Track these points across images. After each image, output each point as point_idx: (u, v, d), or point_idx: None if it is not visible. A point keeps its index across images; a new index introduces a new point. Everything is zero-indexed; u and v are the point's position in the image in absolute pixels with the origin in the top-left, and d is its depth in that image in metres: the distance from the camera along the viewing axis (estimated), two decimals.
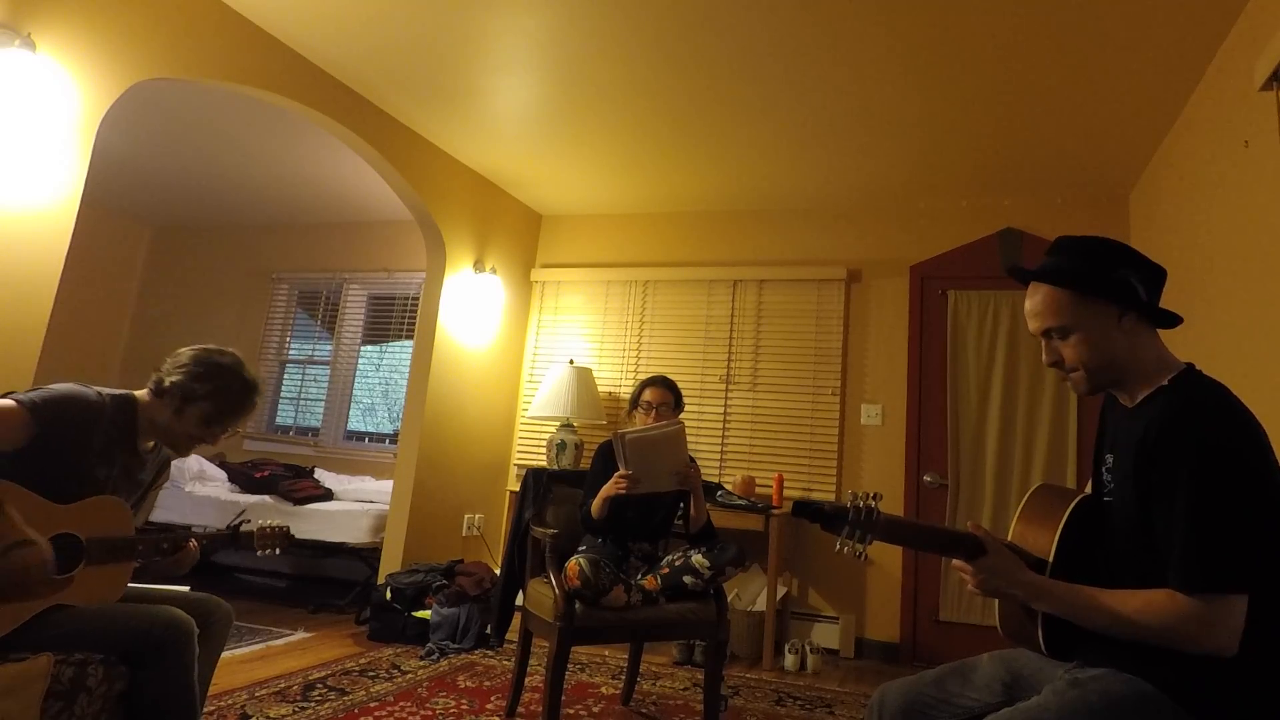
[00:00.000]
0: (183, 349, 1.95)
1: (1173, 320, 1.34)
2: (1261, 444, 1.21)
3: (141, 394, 1.93)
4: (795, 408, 4.54)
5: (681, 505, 2.88)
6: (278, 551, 2.13)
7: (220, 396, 1.91)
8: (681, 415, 2.92)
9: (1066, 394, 4.05)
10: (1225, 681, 1.16)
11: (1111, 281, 1.31)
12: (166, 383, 1.88)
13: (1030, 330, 1.40)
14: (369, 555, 4.33)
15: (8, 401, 1.71)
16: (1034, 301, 1.36)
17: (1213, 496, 1.17)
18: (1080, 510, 1.39)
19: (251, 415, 2.00)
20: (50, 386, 1.80)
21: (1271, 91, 2.32)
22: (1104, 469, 1.40)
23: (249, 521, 2.11)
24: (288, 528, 2.16)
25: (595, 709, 2.98)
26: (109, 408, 1.86)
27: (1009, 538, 1.44)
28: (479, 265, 4.70)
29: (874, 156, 4.02)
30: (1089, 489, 1.46)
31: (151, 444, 1.99)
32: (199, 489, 4.69)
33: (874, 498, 1.32)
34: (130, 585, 1.89)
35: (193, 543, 1.97)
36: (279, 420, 5.85)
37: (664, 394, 2.89)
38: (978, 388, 4.22)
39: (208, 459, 5.10)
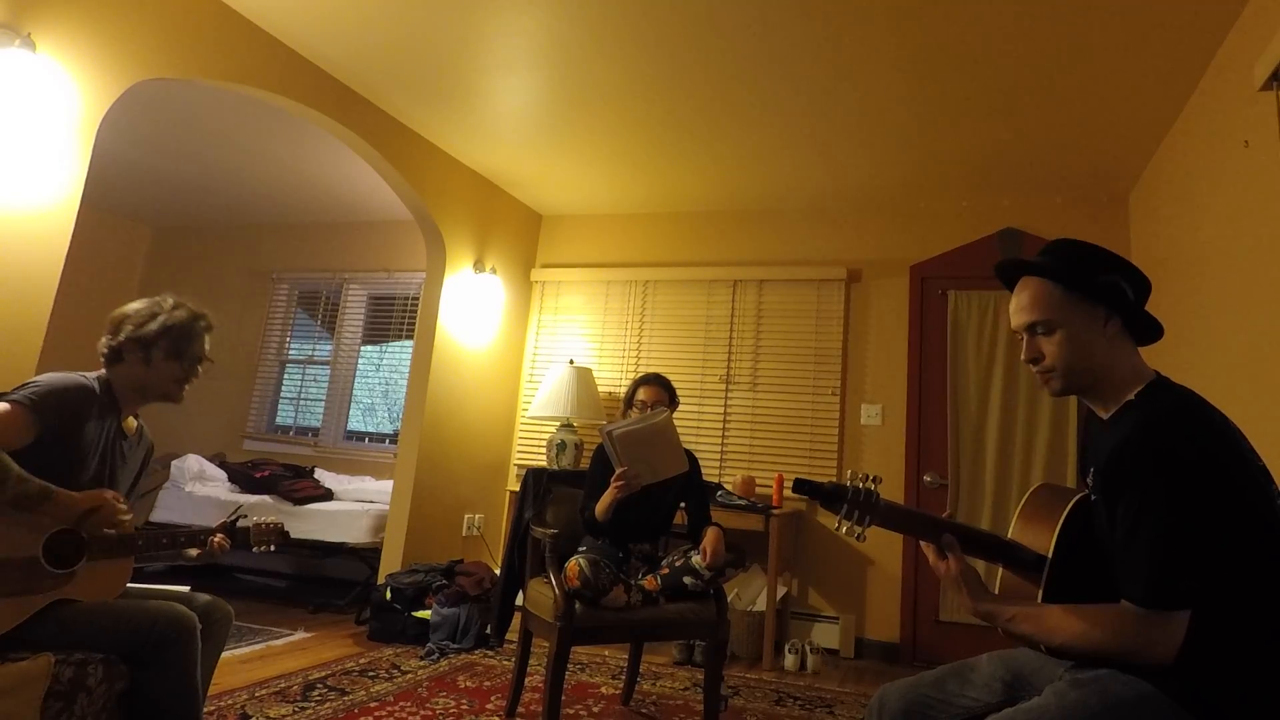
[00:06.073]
0: (110, 315, 1.96)
1: (1155, 331, 1.36)
2: (1224, 450, 1.19)
3: (104, 371, 1.95)
4: (795, 408, 4.54)
5: (682, 505, 2.89)
6: (272, 548, 2.15)
7: (174, 328, 1.93)
8: (681, 416, 2.92)
9: None
10: (1225, 682, 1.16)
11: (1102, 284, 1.32)
12: (119, 341, 1.91)
13: (1013, 326, 1.41)
14: (369, 555, 4.33)
15: (3, 405, 1.70)
16: (1022, 297, 1.38)
17: (1161, 513, 1.17)
18: (1080, 509, 1.39)
19: (209, 335, 2.02)
20: (38, 380, 1.79)
21: (1271, 91, 2.32)
22: (1086, 481, 1.41)
23: (245, 517, 2.12)
24: (282, 524, 2.17)
25: (595, 709, 2.98)
26: (97, 387, 1.89)
27: (1009, 534, 1.45)
28: (479, 265, 4.70)
29: (874, 156, 4.02)
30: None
31: (134, 424, 2.01)
32: (199, 489, 4.69)
33: (873, 480, 1.34)
34: (130, 585, 1.89)
35: (219, 537, 2.01)
36: (279, 420, 5.85)
37: (658, 392, 2.88)
38: (978, 388, 4.22)
39: (208, 459, 5.09)
